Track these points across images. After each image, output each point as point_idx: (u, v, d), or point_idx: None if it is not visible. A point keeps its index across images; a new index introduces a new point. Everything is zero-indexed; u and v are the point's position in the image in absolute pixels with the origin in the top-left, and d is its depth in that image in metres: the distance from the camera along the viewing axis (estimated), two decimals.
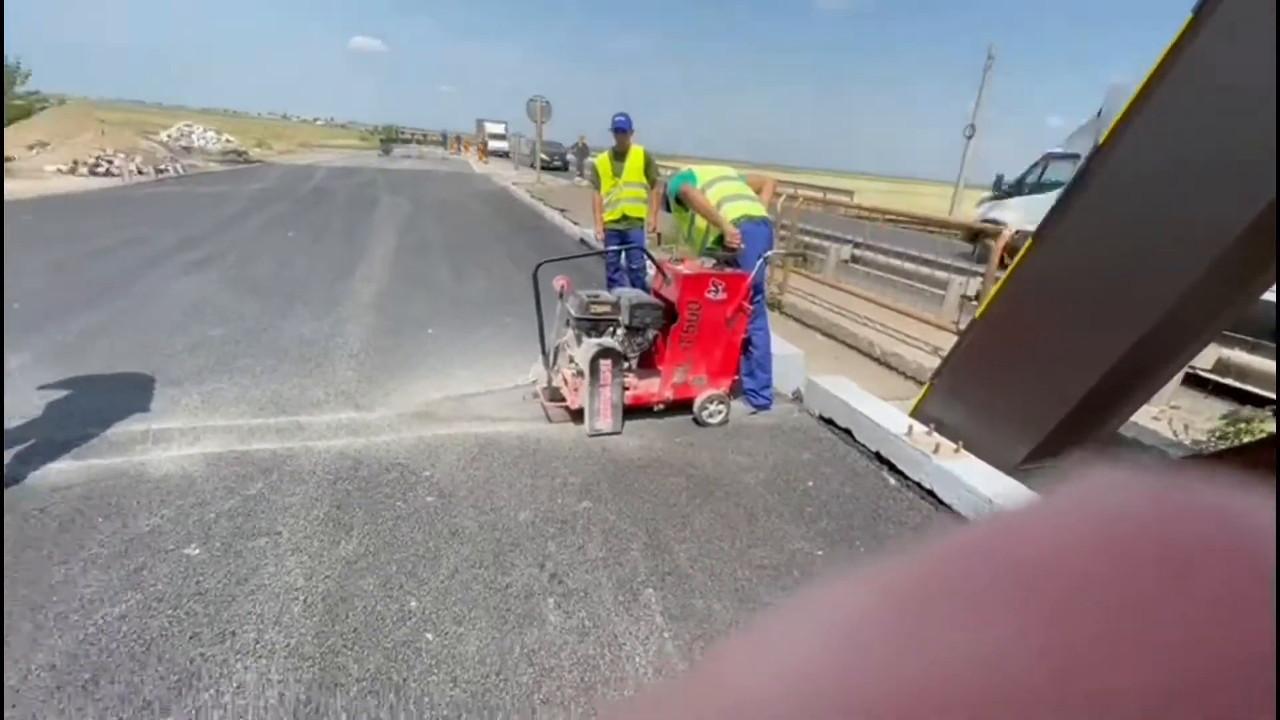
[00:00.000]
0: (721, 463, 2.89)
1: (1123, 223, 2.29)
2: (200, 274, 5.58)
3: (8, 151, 12.40)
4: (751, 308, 3.22)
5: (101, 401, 2.99)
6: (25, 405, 2.88)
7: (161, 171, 13.77)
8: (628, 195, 4.82)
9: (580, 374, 3.04)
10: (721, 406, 3.26)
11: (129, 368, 3.42)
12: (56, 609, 1.76)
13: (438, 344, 4.21)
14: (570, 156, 25.33)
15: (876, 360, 4.60)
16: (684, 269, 3.15)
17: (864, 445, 3.09)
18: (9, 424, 2.68)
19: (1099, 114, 8.68)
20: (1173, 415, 3.66)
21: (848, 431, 3.22)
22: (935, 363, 4.17)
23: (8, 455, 2.41)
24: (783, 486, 2.73)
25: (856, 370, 4.24)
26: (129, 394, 3.10)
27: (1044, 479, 2.64)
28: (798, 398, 3.67)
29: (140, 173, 13.05)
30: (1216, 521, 0.11)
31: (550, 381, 3.30)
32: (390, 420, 3.06)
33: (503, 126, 39.37)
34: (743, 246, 3.17)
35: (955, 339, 4.33)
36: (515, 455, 2.81)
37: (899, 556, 0.13)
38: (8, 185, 10.09)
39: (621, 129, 4.66)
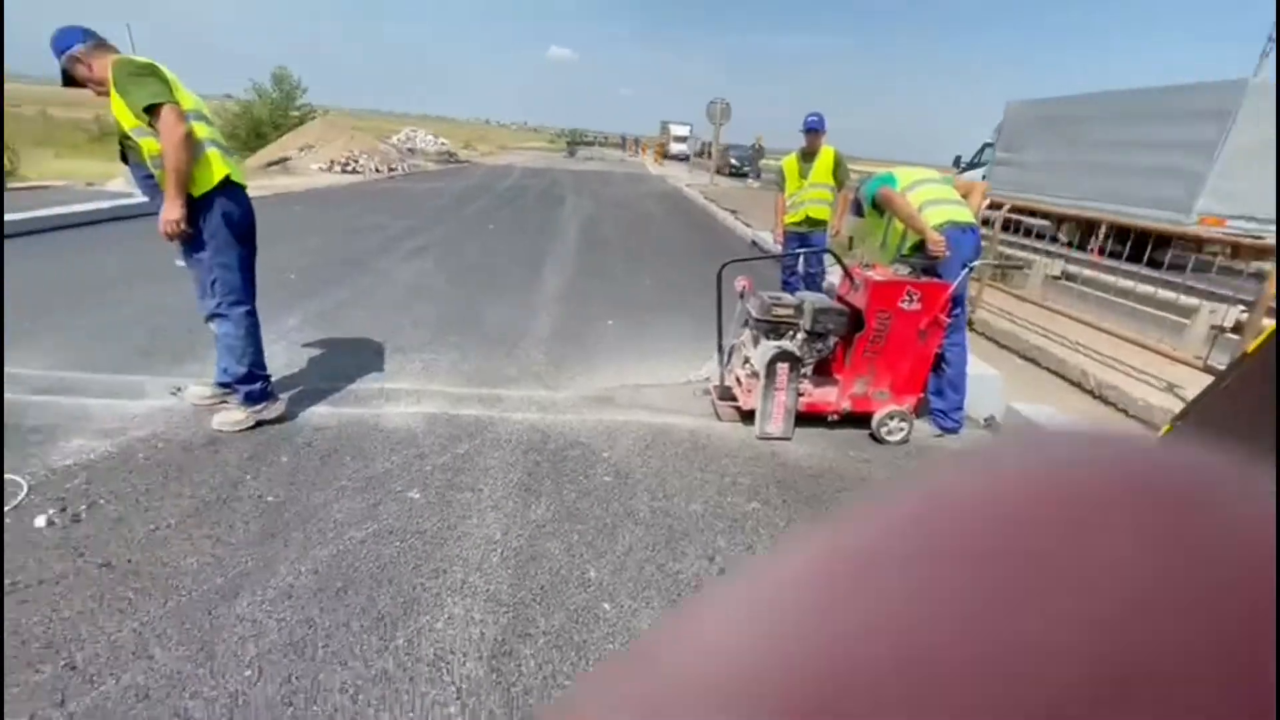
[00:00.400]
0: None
1: None
2: (420, 259, 6.43)
3: (286, 152, 15.27)
4: (949, 321, 2.98)
5: (348, 360, 3.59)
6: (296, 358, 3.54)
7: (392, 170, 16.07)
8: (812, 196, 4.69)
9: (755, 375, 3.03)
10: (903, 424, 3.06)
11: (368, 334, 4.05)
12: (318, 525, 2.15)
13: (616, 335, 4.44)
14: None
15: (1088, 392, 4.01)
16: (875, 275, 2.99)
17: None
18: (288, 371, 3.33)
19: (999, 126, 11.19)
20: None
21: None
22: (1168, 401, 3.56)
23: (285, 395, 2.98)
24: None
25: (1060, 400, 3.74)
26: (368, 356, 3.67)
27: None
28: (991, 424, 3.33)
29: (377, 171, 15.37)
30: (1189, 484, 0.10)
31: (723, 380, 3.33)
32: (574, 402, 3.30)
33: (686, 129, 39.97)
34: (946, 254, 2.94)
35: (1202, 375, 3.64)
36: (686, 448, 2.88)
37: (842, 522, 0.12)
38: (287, 180, 12.43)
39: (813, 129, 4.55)
